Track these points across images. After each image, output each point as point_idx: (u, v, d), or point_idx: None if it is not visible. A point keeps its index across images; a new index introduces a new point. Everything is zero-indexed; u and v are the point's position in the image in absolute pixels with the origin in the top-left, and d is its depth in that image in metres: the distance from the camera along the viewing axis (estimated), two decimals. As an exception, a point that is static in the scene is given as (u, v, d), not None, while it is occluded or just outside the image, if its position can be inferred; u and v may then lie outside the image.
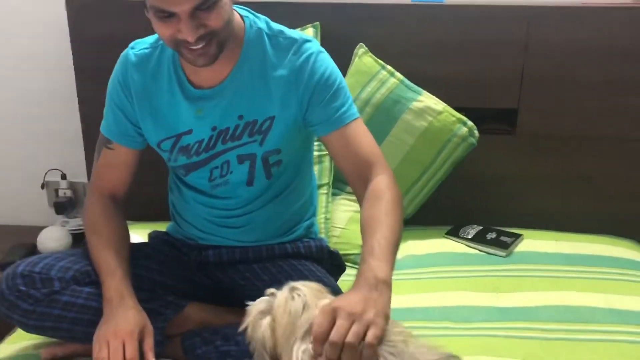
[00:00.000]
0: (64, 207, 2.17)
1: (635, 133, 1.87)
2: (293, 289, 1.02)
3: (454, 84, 1.88)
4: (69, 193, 2.19)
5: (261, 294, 1.34)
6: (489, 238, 1.81)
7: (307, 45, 1.31)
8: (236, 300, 1.40)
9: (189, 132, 1.32)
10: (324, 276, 1.38)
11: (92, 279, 1.30)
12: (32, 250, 2.02)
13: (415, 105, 1.79)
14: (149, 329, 1.22)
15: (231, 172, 1.35)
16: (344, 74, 1.84)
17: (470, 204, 1.96)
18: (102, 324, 1.20)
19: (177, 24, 1.13)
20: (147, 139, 1.37)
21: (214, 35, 1.17)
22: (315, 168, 1.84)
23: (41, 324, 1.25)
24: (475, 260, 1.72)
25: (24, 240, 2.07)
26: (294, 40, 1.31)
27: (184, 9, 1.11)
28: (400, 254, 1.18)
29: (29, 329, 1.27)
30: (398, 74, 1.82)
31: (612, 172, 1.91)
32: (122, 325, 1.19)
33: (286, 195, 1.42)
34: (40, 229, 2.06)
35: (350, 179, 1.31)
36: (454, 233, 1.85)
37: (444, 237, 1.85)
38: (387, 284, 1.03)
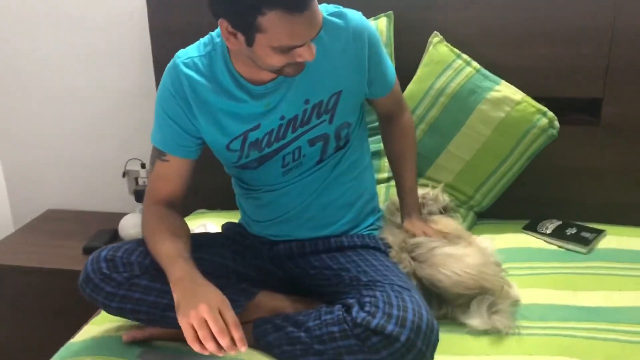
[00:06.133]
0: (143, 194, 2.24)
1: None
2: None
3: (535, 72, 1.81)
4: (145, 182, 2.27)
5: (330, 283, 1.37)
6: (568, 234, 1.73)
7: (350, 14, 1.37)
8: (306, 289, 1.43)
9: (257, 127, 1.34)
10: (393, 266, 1.37)
11: None
12: (114, 235, 2.12)
13: (493, 95, 1.73)
14: (228, 302, 1.19)
15: (304, 156, 1.38)
16: (418, 64, 1.82)
17: (549, 197, 1.88)
18: (182, 302, 1.15)
19: (298, 50, 1.18)
20: (212, 145, 1.38)
21: None
22: (378, 162, 1.83)
23: (123, 306, 1.30)
24: (554, 257, 1.65)
25: (107, 226, 2.17)
26: (336, 14, 1.36)
27: (311, 38, 1.18)
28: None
29: (112, 310, 1.32)
30: (475, 63, 1.77)
31: None
32: (211, 296, 1.16)
33: (348, 174, 1.45)
34: (121, 215, 2.16)
35: (382, 116, 1.59)
36: (531, 228, 1.79)
37: (521, 231, 1.79)
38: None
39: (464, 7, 1.80)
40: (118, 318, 1.43)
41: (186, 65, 1.33)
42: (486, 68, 1.78)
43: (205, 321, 1.12)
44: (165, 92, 1.35)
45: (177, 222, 1.36)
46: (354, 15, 1.38)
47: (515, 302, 1.43)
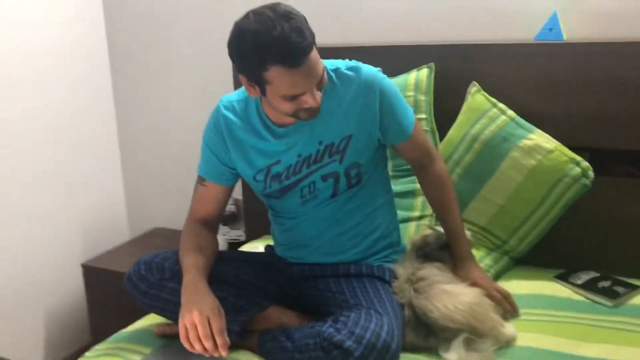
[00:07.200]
0: (227, 219, 2.56)
1: None
2: None
3: (577, 122, 1.82)
4: (232, 208, 2.58)
5: (327, 303, 1.53)
6: (600, 286, 1.70)
7: (365, 68, 1.54)
8: (314, 308, 1.59)
9: (278, 162, 1.56)
10: (385, 294, 1.49)
11: None
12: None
13: (525, 143, 1.78)
14: (222, 311, 1.40)
15: (318, 189, 1.57)
16: (458, 113, 1.93)
17: (590, 248, 1.85)
18: (183, 306, 1.39)
19: (303, 97, 1.38)
20: (243, 175, 1.62)
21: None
22: (411, 201, 1.93)
23: (153, 304, 1.56)
24: (576, 307, 1.63)
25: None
26: (352, 68, 1.54)
27: (313, 85, 1.38)
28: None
29: (145, 306, 1.59)
30: (510, 112, 1.83)
31: None
32: (205, 304, 1.38)
33: (361, 210, 1.59)
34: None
35: (412, 165, 1.70)
36: (563, 277, 1.77)
37: (552, 280, 1.78)
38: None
39: (504, 57, 1.88)
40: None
41: (226, 107, 1.60)
42: (526, 117, 1.83)
43: (196, 325, 1.34)
44: (208, 129, 1.63)
45: (205, 239, 1.61)
46: (368, 70, 1.55)
47: (507, 344, 1.46)
